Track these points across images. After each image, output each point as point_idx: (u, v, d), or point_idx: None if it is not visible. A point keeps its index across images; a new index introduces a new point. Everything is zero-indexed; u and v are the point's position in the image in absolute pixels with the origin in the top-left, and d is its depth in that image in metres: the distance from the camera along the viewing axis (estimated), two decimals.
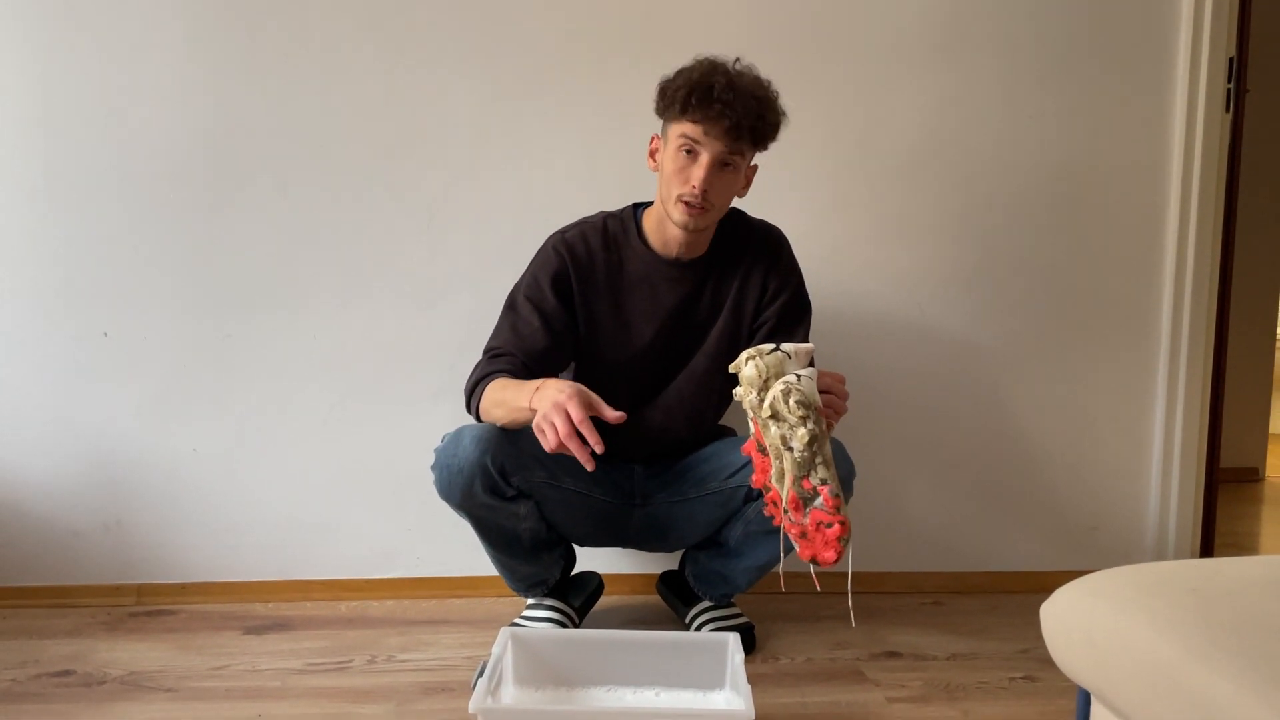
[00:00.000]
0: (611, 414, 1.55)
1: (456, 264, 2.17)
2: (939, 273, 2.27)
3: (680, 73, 1.76)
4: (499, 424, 1.72)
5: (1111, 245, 2.29)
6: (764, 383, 1.46)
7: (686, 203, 1.75)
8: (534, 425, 1.56)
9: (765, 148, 1.79)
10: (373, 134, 2.14)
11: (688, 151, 1.73)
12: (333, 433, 2.19)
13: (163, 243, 2.12)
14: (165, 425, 2.16)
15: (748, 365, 1.47)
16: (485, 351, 1.83)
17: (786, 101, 1.78)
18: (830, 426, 1.51)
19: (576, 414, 1.51)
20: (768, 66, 1.81)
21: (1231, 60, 2.26)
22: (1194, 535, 2.35)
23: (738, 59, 1.77)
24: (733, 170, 1.76)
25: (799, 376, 1.44)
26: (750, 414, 1.48)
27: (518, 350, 1.80)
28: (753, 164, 1.83)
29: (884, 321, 2.26)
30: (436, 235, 2.17)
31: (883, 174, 2.23)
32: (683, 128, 1.73)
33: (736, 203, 1.88)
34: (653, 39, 2.13)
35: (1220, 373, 2.36)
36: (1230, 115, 2.28)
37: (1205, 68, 2.23)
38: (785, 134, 1.79)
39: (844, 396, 1.55)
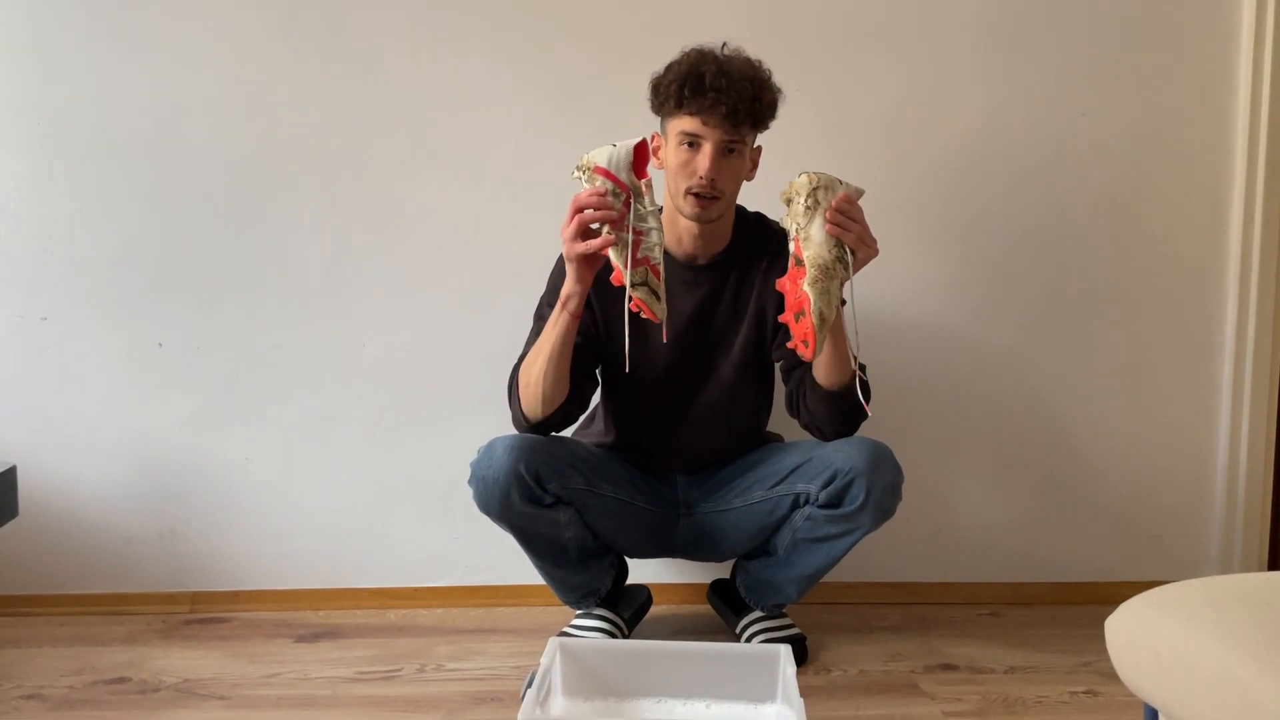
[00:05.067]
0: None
1: (502, 272, 2.16)
2: (993, 274, 2.22)
3: (670, 67, 1.75)
4: (545, 385, 1.72)
5: (1173, 242, 2.23)
6: (812, 192, 1.57)
7: (696, 194, 1.74)
8: (568, 256, 1.63)
9: (765, 128, 1.78)
10: (419, 144, 2.14)
11: (690, 145, 1.73)
12: (381, 441, 2.20)
13: (214, 255, 2.15)
14: (218, 434, 2.18)
15: (801, 176, 1.58)
16: (516, 365, 1.83)
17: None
18: (842, 230, 1.57)
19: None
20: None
21: None
22: (1262, 543, 2.27)
23: (724, 43, 1.77)
24: (737, 156, 1.75)
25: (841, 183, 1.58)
26: (792, 231, 1.58)
27: None
28: (756, 145, 1.81)
29: (936, 325, 2.21)
30: (483, 244, 2.17)
31: (933, 174, 2.19)
32: (681, 123, 1.73)
33: (761, 205, 1.85)
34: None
35: None
36: None
37: (1269, 51, 2.15)
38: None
39: (866, 232, 1.60)
